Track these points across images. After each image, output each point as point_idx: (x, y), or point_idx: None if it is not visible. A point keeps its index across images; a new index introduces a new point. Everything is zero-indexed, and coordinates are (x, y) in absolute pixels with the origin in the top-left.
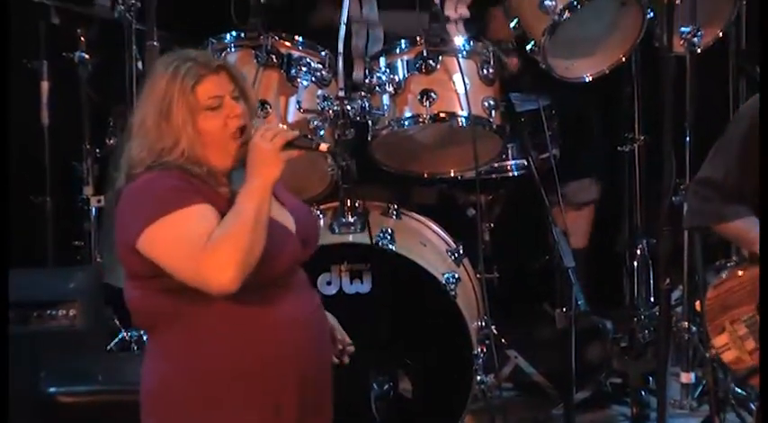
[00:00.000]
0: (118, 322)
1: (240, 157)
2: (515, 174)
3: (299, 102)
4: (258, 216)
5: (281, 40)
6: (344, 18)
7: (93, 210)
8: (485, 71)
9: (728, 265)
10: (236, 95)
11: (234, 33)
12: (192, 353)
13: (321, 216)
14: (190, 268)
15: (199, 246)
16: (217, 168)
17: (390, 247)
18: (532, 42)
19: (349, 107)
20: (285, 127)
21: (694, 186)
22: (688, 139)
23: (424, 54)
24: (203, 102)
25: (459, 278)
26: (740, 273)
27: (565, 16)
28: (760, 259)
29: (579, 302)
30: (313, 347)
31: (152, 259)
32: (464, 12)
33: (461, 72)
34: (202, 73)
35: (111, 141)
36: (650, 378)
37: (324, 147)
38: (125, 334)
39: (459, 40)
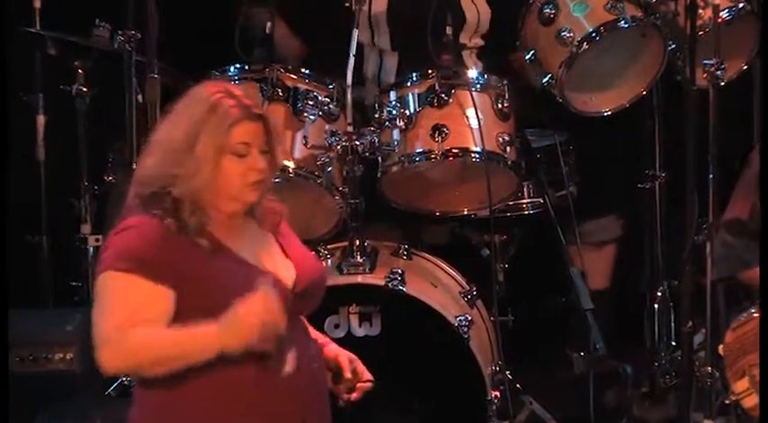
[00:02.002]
0: None
1: (248, 209)
2: (531, 212)
3: (305, 137)
4: (184, 360)
5: (287, 73)
6: (353, 49)
7: (91, 249)
8: (499, 105)
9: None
10: (265, 149)
11: (238, 66)
12: (174, 409)
13: (328, 256)
14: (99, 331)
15: (123, 323)
16: (220, 212)
17: (401, 288)
18: (549, 75)
19: (358, 142)
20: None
21: (721, 232)
22: (711, 175)
23: (436, 87)
24: (233, 145)
25: (472, 320)
26: (757, 314)
27: (583, 48)
28: (760, 260)
29: (598, 346)
30: (305, 401)
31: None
32: (477, 41)
33: (475, 106)
34: (242, 116)
35: (110, 178)
36: None
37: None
38: (124, 378)
39: (472, 73)
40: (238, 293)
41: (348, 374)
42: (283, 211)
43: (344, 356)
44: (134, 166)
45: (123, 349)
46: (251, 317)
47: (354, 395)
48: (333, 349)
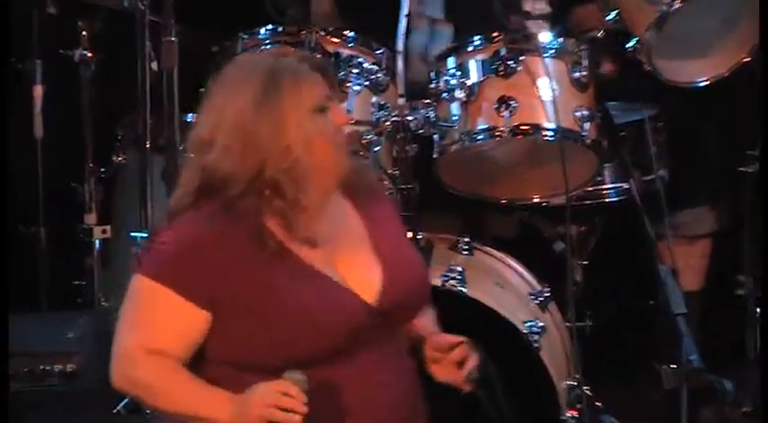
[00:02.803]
0: None
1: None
2: (614, 200)
3: (349, 111)
4: (188, 414)
5: (328, 36)
6: (406, 9)
7: (97, 242)
8: (576, 74)
9: None
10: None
11: (270, 27)
12: None
13: None
14: (118, 339)
15: (142, 344)
16: (307, 197)
17: (460, 288)
18: (635, 39)
19: (410, 118)
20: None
21: None
22: None
23: (503, 53)
24: (313, 100)
25: (544, 327)
26: None
27: (675, 6)
28: (761, 260)
29: (692, 357)
30: None
31: None
32: (543, 6)
33: (548, 75)
34: (307, 67)
35: (120, 158)
36: None
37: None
38: None
39: (545, 37)
40: (297, 317)
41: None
42: (373, 179)
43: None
44: (148, 145)
45: (132, 376)
46: (264, 409)
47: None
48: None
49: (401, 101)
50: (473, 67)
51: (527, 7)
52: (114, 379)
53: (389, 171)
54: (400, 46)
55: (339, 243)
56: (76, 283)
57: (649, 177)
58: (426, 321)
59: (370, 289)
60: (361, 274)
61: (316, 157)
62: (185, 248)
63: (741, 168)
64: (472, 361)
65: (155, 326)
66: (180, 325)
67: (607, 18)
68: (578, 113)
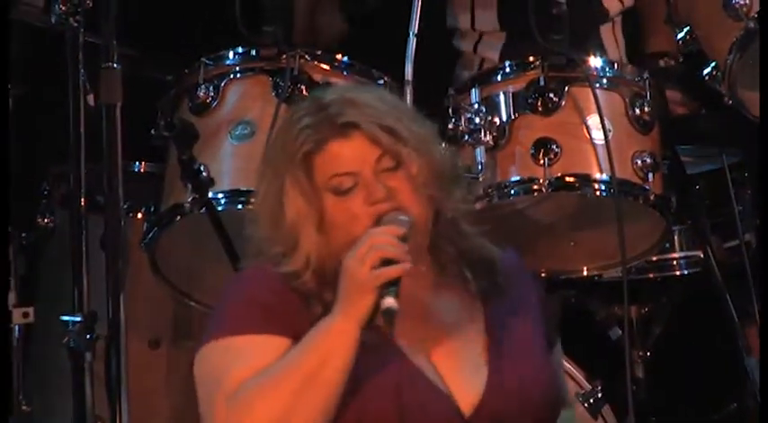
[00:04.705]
0: None
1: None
2: (685, 272)
3: None
4: (313, 370)
5: (314, 61)
6: (415, 27)
7: (17, 328)
8: (637, 110)
9: None
10: (388, 166)
11: (241, 50)
12: None
13: None
14: (206, 414)
15: (226, 391)
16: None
17: None
18: (712, 64)
19: None
20: (399, 227)
21: None
22: None
23: (542, 82)
24: (323, 181)
25: None
26: None
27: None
28: (760, 260)
29: None
30: None
31: None
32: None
33: (600, 111)
34: (321, 136)
35: (46, 221)
36: None
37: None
38: None
39: (596, 62)
40: (373, 402)
41: None
42: (515, 270)
43: None
44: (82, 203)
45: (242, 415)
46: (353, 261)
47: None
48: None
49: None
50: (503, 101)
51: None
52: None
53: None
54: (408, 73)
55: (441, 334)
56: None
57: (731, 244)
58: None
59: (466, 397)
60: (464, 376)
61: (335, 241)
62: (245, 297)
63: None
64: None
65: (230, 372)
66: (258, 357)
67: (678, 37)
68: (639, 161)
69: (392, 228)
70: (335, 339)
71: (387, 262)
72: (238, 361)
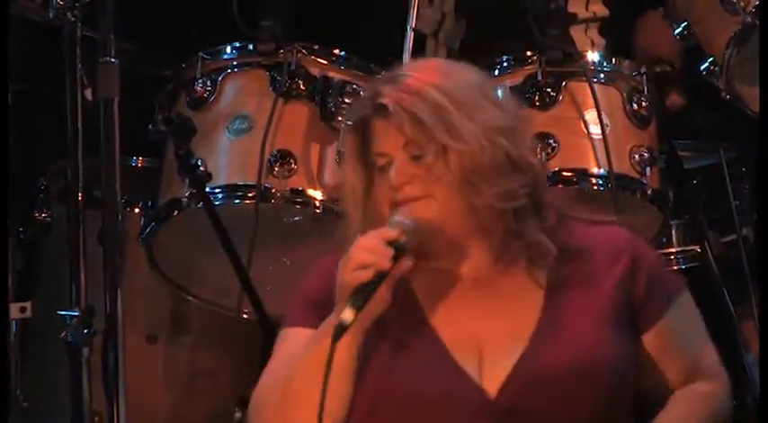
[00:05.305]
0: None
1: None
2: (682, 267)
3: (340, 152)
4: (307, 371)
5: (313, 56)
6: (413, 22)
7: (14, 323)
8: (634, 105)
9: None
10: (415, 153)
11: (238, 45)
12: None
13: None
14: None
15: (261, 381)
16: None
17: None
18: (710, 59)
19: None
20: (393, 231)
21: None
22: None
23: (539, 77)
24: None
25: None
26: None
27: None
28: (758, 255)
29: None
30: None
31: None
32: (600, 9)
33: (597, 106)
34: (367, 111)
35: (44, 215)
36: None
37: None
38: None
39: (594, 56)
40: (390, 395)
41: None
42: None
43: None
44: (80, 198)
45: (263, 401)
46: (342, 270)
47: None
48: None
49: None
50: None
51: (574, 7)
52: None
53: None
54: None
55: (492, 318)
56: None
57: (729, 238)
58: None
59: (492, 379)
60: (496, 358)
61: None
62: (302, 289)
63: None
64: None
65: (273, 360)
66: (289, 350)
67: (675, 32)
68: (637, 155)
69: (385, 231)
70: (312, 348)
71: (364, 267)
72: (278, 352)
